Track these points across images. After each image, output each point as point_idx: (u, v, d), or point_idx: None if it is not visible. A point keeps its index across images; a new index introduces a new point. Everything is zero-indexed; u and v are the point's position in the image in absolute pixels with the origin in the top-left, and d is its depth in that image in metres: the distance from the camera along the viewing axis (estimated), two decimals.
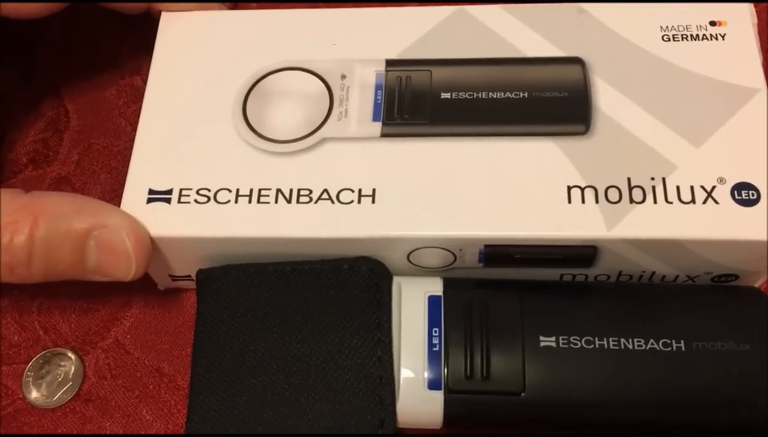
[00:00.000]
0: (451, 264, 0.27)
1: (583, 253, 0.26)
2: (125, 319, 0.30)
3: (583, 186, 0.26)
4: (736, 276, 0.27)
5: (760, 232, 0.24)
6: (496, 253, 0.26)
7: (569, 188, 0.26)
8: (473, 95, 0.28)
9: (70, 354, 0.29)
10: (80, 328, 0.30)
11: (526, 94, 0.28)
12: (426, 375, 0.25)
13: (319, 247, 0.26)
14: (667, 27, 0.28)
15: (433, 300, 0.26)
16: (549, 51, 0.29)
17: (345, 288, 0.26)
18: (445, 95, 0.28)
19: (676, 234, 0.25)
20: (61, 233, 0.24)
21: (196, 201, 0.27)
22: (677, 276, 0.27)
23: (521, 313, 0.25)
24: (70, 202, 0.25)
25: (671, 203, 0.25)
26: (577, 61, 0.28)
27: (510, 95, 0.28)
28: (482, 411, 0.25)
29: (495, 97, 0.28)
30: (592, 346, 0.25)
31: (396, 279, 0.27)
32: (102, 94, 0.35)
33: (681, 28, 0.28)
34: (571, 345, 0.25)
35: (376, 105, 0.28)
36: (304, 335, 0.25)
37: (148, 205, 0.27)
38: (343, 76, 0.29)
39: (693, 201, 0.25)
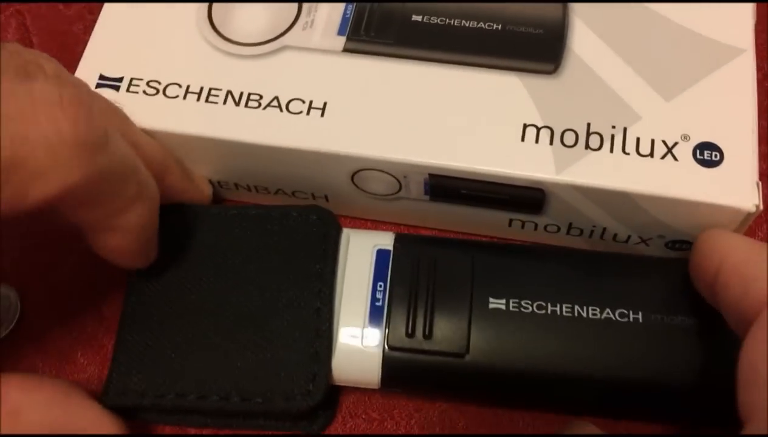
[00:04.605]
0: (396, 193, 0.26)
1: (531, 196, 0.25)
2: (68, 257, 0.29)
3: (539, 125, 0.24)
4: (691, 244, 0.25)
5: (718, 195, 0.23)
6: (441, 185, 0.25)
7: (525, 126, 0.24)
8: (445, 21, 0.27)
9: (8, 290, 0.28)
10: (21, 265, 0.29)
11: (499, 27, 0.26)
12: (365, 330, 0.23)
13: (258, 154, 0.25)
14: None
15: (381, 254, 0.25)
16: None
17: (290, 235, 0.25)
18: (417, 17, 0.27)
19: (626, 186, 0.23)
20: None
21: (144, 92, 0.26)
22: (629, 236, 0.26)
23: (472, 272, 0.24)
24: None
25: (628, 154, 0.24)
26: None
27: (483, 25, 0.26)
28: (422, 371, 0.23)
29: (467, 25, 0.26)
30: (543, 312, 0.23)
31: (346, 231, 0.26)
32: None
33: None
34: (522, 309, 0.23)
35: (344, 19, 0.27)
36: (241, 280, 0.24)
37: (96, 90, 0.26)
38: None
39: (651, 155, 0.24)
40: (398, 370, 0.23)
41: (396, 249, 0.25)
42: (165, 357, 0.23)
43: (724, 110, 0.24)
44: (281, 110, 0.25)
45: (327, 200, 0.28)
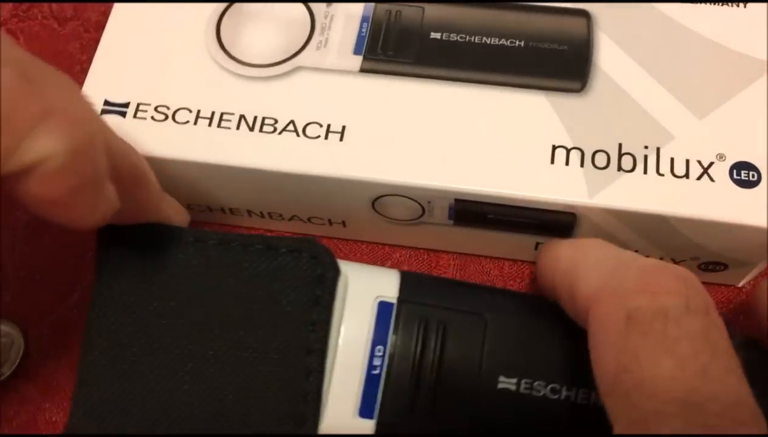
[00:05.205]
0: (419, 218, 0.25)
1: (561, 220, 0.24)
2: (74, 292, 0.27)
3: (569, 147, 0.23)
4: (725, 266, 0.25)
5: (756, 217, 0.22)
6: (467, 210, 0.24)
7: (554, 148, 0.24)
8: (465, 38, 0.26)
9: (10, 328, 0.26)
10: (24, 300, 0.27)
11: (522, 43, 0.25)
12: (359, 400, 0.21)
13: (274, 181, 0.24)
14: None
15: (383, 309, 0.22)
16: (557, 0, 0.26)
17: (279, 276, 0.21)
18: (435, 35, 0.26)
19: (663, 209, 0.22)
20: None
21: (152, 118, 0.25)
22: (661, 258, 0.25)
23: (483, 342, 0.21)
24: None
25: (662, 175, 0.23)
26: (582, 14, 0.26)
27: (505, 42, 0.25)
28: None
29: (488, 42, 0.25)
30: (557, 396, 0.21)
31: (344, 270, 0.22)
32: None
33: None
34: (533, 392, 0.21)
35: (360, 37, 0.26)
36: (220, 331, 0.21)
37: (102, 116, 0.25)
38: (329, 4, 0.27)
39: (687, 176, 0.23)
40: None
41: (401, 304, 0.22)
42: (130, 422, 0.21)
43: (759, 127, 0.23)
44: (298, 135, 0.24)
45: (344, 225, 0.27)
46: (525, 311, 0.22)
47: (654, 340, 0.16)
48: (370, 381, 0.21)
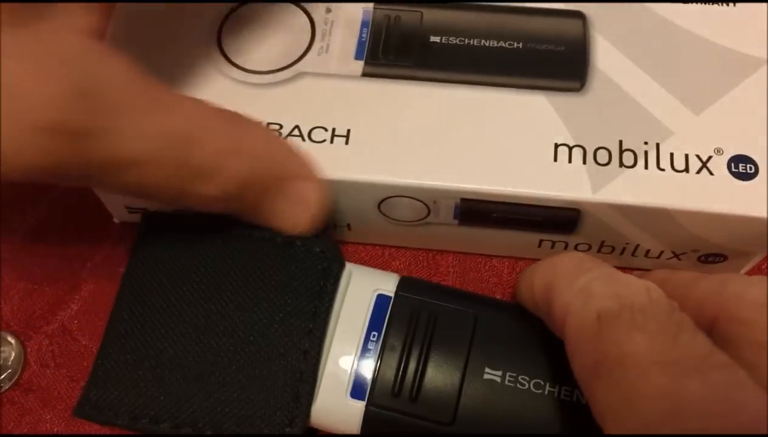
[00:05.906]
0: (424, 218, 0.26)
1: (566, 217, 0.24)
2: (73, 302, 0.27)
3: (571, 145, 0.24)
4: (725, 257, 0.25)
5: (754, 208, 0.23)
6: (473, 209, 0.25)
7: (557, 146, 0.24)
8: (464, 41, 0.26)
9: (10, 338, 0.27)
10: (23, 311, 0.27)
11: (520, 45, 0.26)
12: (351, 380, 0.22)
13: None
14: None
15: (381, 300, 0.23)
16: (552, 3, 0.27)
17: (290, 265, 0.23)
18: (435, 38, 0.26)
19: (665, 203, 0.23)
20: None
21: None
22: (662, 251, 0.25)
23: (472, 336, 0.22)
24: None
25: (663, 170, 0.23)
26: (577, 15, 0.26)
27: (504, 44, 0.26)
28: (403, 433, 0.22)
29: (487, 45, 0.26)
30: (540, 391, 0.22)
31: (348, 267, 0.24)
32: None
33: None
34: (518, 385, 0.22)
35: (360, 42, 0.26)
36: (232, 308, 0.23)
37: None
38: (328, 10, 0.27)
39: (686, 170, 0.23)
40: (379, 427, 0.22)
41: (397, 297, 0.23)
42: (144, 378, 0.22)
43: (754, 121, 0.24)
44: (303, 139, 0.24)
45: (349, 228, 0.27)
46: (514, 314, 0.23)
47: (624, 325, 0.18)
48: (363, 364, 0.22)
